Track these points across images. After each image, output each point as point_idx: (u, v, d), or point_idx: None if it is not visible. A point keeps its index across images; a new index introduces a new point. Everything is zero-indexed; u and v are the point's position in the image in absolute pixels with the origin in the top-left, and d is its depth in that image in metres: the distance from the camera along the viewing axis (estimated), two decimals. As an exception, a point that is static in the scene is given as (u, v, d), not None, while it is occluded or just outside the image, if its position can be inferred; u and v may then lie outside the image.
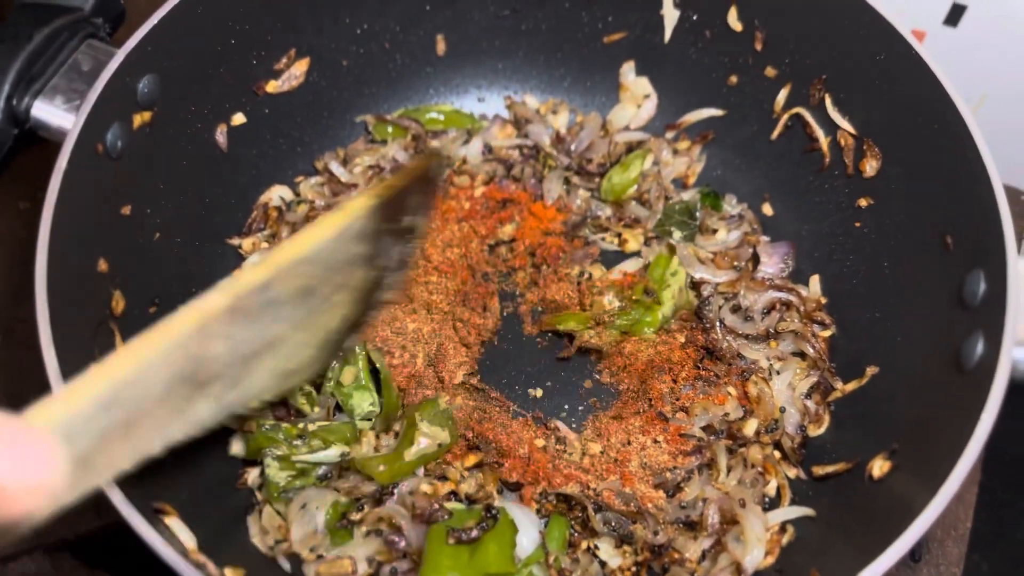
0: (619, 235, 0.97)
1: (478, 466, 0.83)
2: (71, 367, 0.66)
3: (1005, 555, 1.36)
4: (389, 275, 0.66)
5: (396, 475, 0.79)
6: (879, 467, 0.75)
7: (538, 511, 0.81)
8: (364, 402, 0.84)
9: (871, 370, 0.84)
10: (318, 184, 1.00)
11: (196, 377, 0.51)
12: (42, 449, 0.40)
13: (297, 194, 1.00)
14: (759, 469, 0.82)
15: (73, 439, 0.43)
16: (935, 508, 0.61)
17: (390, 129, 1.02)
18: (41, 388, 0.90)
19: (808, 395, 0.86)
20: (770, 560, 0.75)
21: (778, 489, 0.81)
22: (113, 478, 0.48)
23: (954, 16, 1.13)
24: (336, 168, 1.00)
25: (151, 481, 0.67)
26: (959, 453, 0.64)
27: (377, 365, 0.84)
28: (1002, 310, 0.68)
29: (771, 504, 0.81)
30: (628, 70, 1.03)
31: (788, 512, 0.78)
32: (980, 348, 0.69)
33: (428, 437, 0.80)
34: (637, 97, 1.03)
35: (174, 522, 0.68)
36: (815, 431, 0.85)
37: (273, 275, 0.54)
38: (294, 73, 0.96)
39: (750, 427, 0.83)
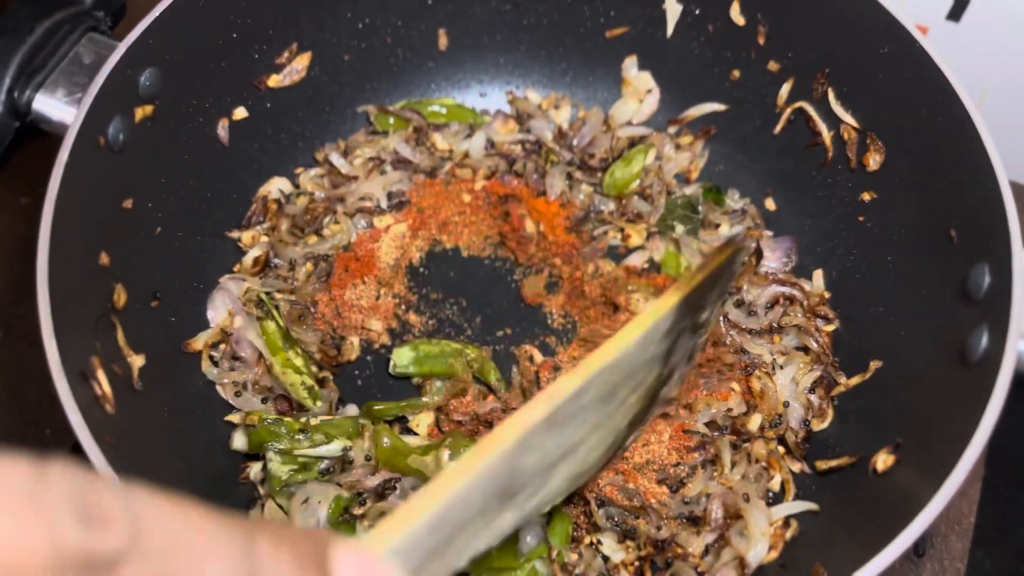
0: (622, 230, 0.97)
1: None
2: (72, 361, 0.65)
3: (1009, 551, 1.36)
4: (678, 368, 0.64)
5: (386, 461, 0.79)
6: (883, 461, 0.75)
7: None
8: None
9: (875, 364, 0.83)
10: (318, 176, 1.00)
11: (509, 490, 0.51)
12: (389, 569, 0.41)
13: (297, 186, 0.99)
14: (763, 464, 0.81)
15: (404, 560, 0.43)
16: (940, 501, 0.61)
17: (392, 120, 1.02)
18: (42, 383, 0.91)
19: (811, 390, 0.86)
20: (774, 555, 0.74)
21: (782, 484, 0.81)
22: None
23: (957, 11, 1.13)
24: (337, 159, 0.99)
25: (153, 476, 0.67)
26: (964, 446, 0.63)
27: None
28: (1007, 303, 0.67)
29: (775, 499, 0.81)
30: (630, 65, 1.03)
31: (792, 507, 0.78)
32: (985, 341, 0.69)
33: (437, 463, 0.79)
34: (639, 92, 1.03)
35: (176, 516, 0.67)
36: (819, 425, 0.85)
37: (587, 382, 0.53)
38: (296, 67, 0.96)
39: (754, 422, 0.83)
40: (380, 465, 0.80)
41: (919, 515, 0.61)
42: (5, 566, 0.28)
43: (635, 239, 0.96)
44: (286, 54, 0.95)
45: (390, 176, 0.99)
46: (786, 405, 0.84)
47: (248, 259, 0.93)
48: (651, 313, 0.57)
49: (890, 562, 0.59)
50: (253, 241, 0.95)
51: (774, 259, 0.94)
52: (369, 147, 1.00)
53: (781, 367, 0.86)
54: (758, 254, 0.94)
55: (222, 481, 0.81)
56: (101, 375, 0.70)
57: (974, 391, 0.66)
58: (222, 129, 0.92)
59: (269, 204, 0.97)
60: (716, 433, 0.83)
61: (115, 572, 0.31)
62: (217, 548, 0.35)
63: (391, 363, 0.87)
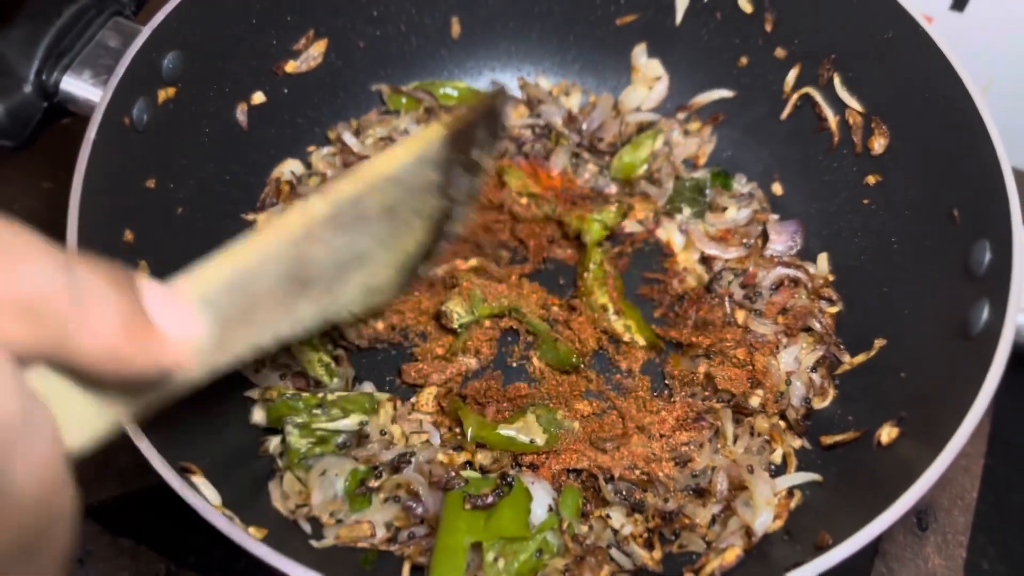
0: (629, 207, 0.99)
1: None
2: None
3: (1012, 538, 1.37)
4: (457, 207, 0.71)
5: (481, 437, 0.81)
6: (887, 434, 0.77)
7: (552, 481, 0.82)
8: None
9: (879, 343, 0.85)
10: (329, 154, 1.02)
11: (300, 277, 0.56)
12: (190, 311, 0.45)
13: (309, 165, 1.02)
14: (765, 438, 0.83)
15: (208, 312, 0.48)
16: (939, 466, 0.63)
17: (404, 100, 1.04)
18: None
19: (814, 369, 0.88)
20: (779, 523, 0.76)
21: (784, 457, 0.83)
22: (231, 362, 0.52)
23: (960, 1, 1.15)
24: (349, 138, 1.01)
25: (177, 445, 0.69)
26: (964, 415, 0.65)
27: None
28: (1007, 277, 0.69)
29: (777, 471, 0.83)
30: (640, 52, 1.05)
31: (795, 477, 0.80)
32: (985, 315, 0.71)
33: (526, 432, 0.81)
34: (648, 79, 1.05)
35: (200, 480, 0.70)
36: (819, 404, 0.87)
37: (363, 190, 0.60)
38: (312, 54, 0.98)
39: (755, 399, 0.85)
40: (468, 443, 0.82)
41: (919, 479, 0.63)
42: None
43: (639, 213, 0.98)
44: (303, 41, 0.97)
45: None
46: (788, 383, 0.86)
47: None
48: (418, 139, 0.64)
49: (889, 524, 0.61)
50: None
51: (780, 242, 0.96)
52: (381, 127, 1.03)
53: (785, 346, 0.88)
54: (764, 236, 0.96)
55: (241, 453, 0.83)
56: (127, 347, 0.72)
57: (975, 363, 0.68)
58: (241, 113, 0.94)
59: (282, 186, 0.99)
60: (720, 404, 0.85)
61: None
62: (35, 253, 0.37)
63: (452, 315, 0.90)
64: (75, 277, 0.38)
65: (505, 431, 0.81)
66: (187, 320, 0.45)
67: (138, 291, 0.42)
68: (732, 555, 0.73)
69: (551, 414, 0.83)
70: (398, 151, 0.64)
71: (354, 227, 0.61)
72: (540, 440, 0.81)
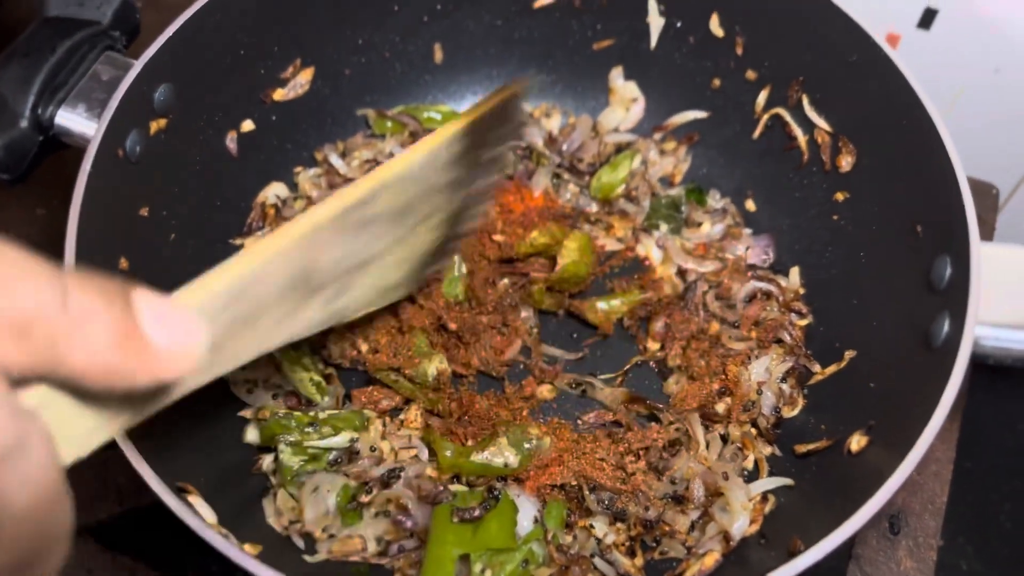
0: (608, 225, 1.02)
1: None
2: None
3: (989, 535, 1.40)
4: (473, 204, 0.69)
5: (455, 468, 0.84)
6: (857, 442, 0.80)
7: (537, 495, 0.85)
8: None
9: (849, 354, 0.89)
10: (315, 176, 1.04)
11: (308, 282, 0.56)
12: (189, 322, 0.45)
13: (295, 187, 1.04)
14: (738, 444, 0.87)
15: (207, 321, 0.48)
16: (903, 472, 0.66)
17: (389, 124, 1.07)
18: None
19: (784, 379, 0.91)
20: (755, 528, 0.79)
21: (756, 463, 0.86)
22: (236, 366, 0.53)
23: (927, 19, 1.19)
24: (335, 160, 1.04)
25: (174, 466, 0.72)
26: (927, 423, 0.68)
27: None
28: (965, 292, 0.73)
29: (750, 477, 0.86)
30: (617, 75, 1.08)
31: (768, 482, 0.83)
32: (946, 327, 0.74)
33: (498, 455, 0.84)
34: (626, 100, 1.09)
35: (196, 500, 0.72)
36: (789, 413, 0.90)
37: (376, 190, 0.58)
38: (299, 82, 1.01)
39: (721, 406, 0.88)
40: (444, 471, 0.84)
41: (885, 483, 0.66)
42: None
43: (618, 231, 1.02)
44: (290, 69, 1.00)
45: None
46: (759, 392, 0.90)
47: None
48: (436, 136, 0.63)
49: (855, 529, 0.64)
50: None
51: (753, 256, 0.99)
52: (367, 149, 1.06)
53: (756, 357, 0.91)
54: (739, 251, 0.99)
55: (236, 472, 0.86)
56: (124, 371, 0.75)
57: (937, 373, 0.71)
58: (231, 141, 0.97)
59: (267, 210, 1.01)
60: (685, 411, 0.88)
61: None
62: (26, 272, 0.38)
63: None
64: (67, 294, 0.39)
65: (478, 457, 0.83)
66: (184, 330, 0.44)
67: (133, 304, 0.42)
68: (711, 560, 0.76)
69: (521, 432, 0.85)
70: (411, 151, 0.62)
71: (365, 229, 0.59)
72: (513, 461, 0.83)
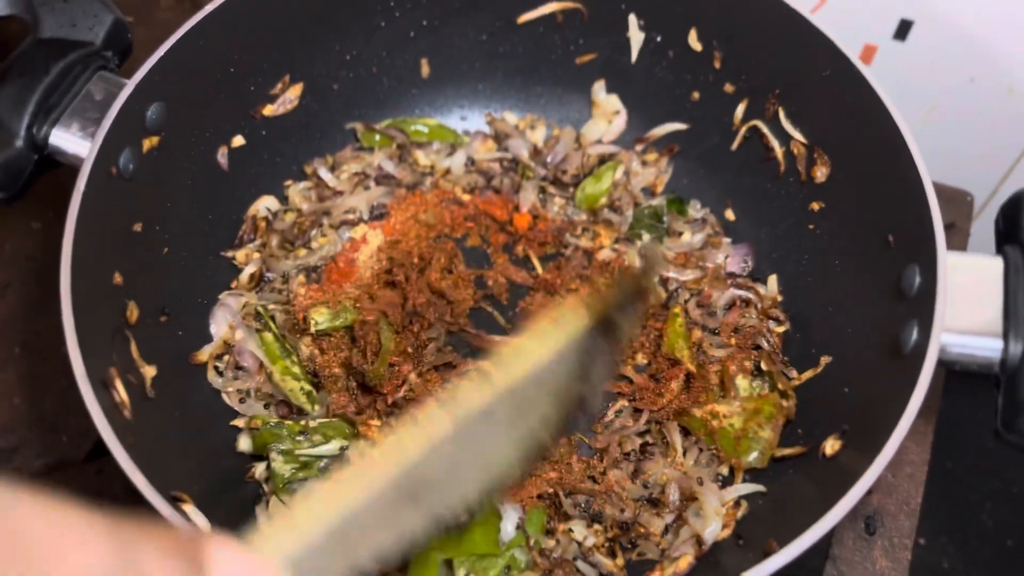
0: (596, 234, 1.04)
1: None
2: (94, 371, 0.73)
3: (970, 535, 1.43)
4: (592, 390, 0.63)
5: None
6: (831, 446, 0.82)
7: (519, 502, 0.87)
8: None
9: (825, 359, 0.91)
10: (305, 189, 1.07)
11: (413, 496, 0.51)
12: (269, 572, 0.41)
13: (285, 199, 1.07)
14: (713, 450, 0.89)
15: (298, 565, 0.44)
16: (872, 474, 0.69)
17: (377, 138, 1.09)
18: (57, 394, 0.98)
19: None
20: (727, 532, 0.82)
21: (731, 468, 0.89)
22: None
23: (902, 31, 1.21)
24: (324, 173, 1.07)
25: (169, 476, 0.74)
26: (895, 426, 0.71)
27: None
28: (932, 300, 0.75)
29: (725, 482, 0.89)
30: (599, 88, 1.11)
31: (741, 488, 0.85)
32: (915, 335, 0.77)
33: None
34: (608, 113, 1.11)
35: (189, 508, 0.75)
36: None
37: (496, 397, 0.54)
38: (288, 97, 1.04)
39: (697, 411, 0.90)
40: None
41: (856, 484, 0.68)
42: None
43: (605, 241, 1.04)
44: (279, 85, 1.02)
45: (374, 191, 1.07)
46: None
47: (244, 276, 1.00)
48: (564, 328, 0.58)
49: (827, 529, 0.67)
50: (247, 259, 1.02)
51: (733, 264, 1.02)
52: (355, 163, 1.08)
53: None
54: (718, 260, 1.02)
55: (229, 480, 0.88)
56: (119, 384, 0.77)
57: (906, 379, 0.74)
58: (222, 156, 1.00)
59: (258, 222, 1.04)
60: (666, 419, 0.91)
61: None
62: (86, 537, 0.35)
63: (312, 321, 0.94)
64: (133, 558, 0.35)
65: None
66: None
67: (206, 558, 0.38)
68: (684, 563, 0.79)
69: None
70: (533, 348, 0.56)
71: (480, 437, 0.54)
72: None
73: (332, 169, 1.08)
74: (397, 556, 0.51)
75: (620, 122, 1.11)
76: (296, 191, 1.07)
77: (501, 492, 0.63)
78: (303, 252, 1.02)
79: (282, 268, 1.01)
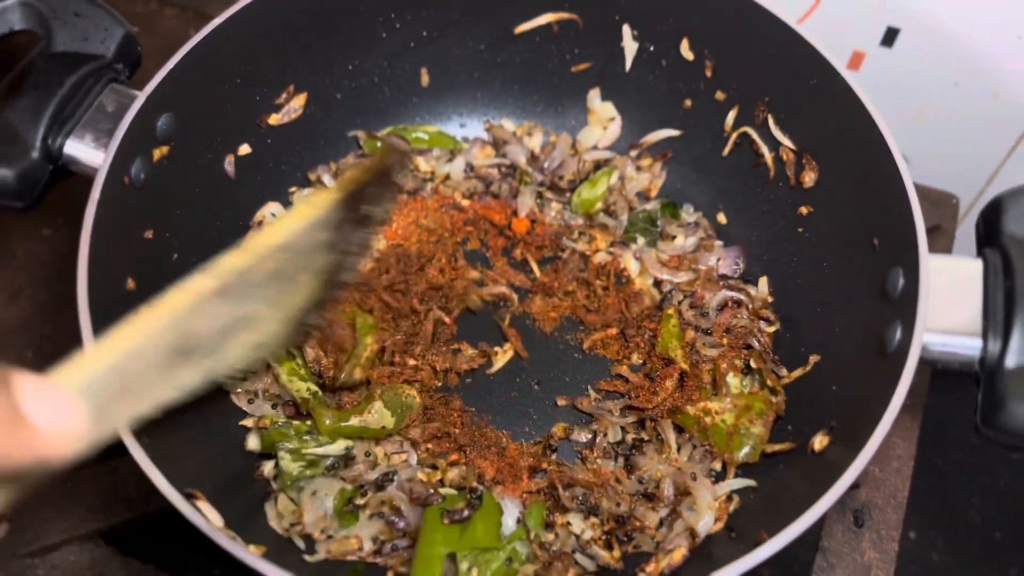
0: (592, 238, 1.08)
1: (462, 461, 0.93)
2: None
3: (959, 530, 1.46)
4: (350, 259, 0.72)
5: (334, 433, 0.90)
6: (819, 442, 0.86)
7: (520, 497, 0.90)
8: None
9: (813, 358, 0.94)
10: (310, 195, 1.10)
11: (184, 348, 0.59)
12: (67, 402, 0.48)
13: (290, 205, 1.10)
14: (706, 447, 0.92)
15: (87, 398, 0.51)
16: (856, 468, 0.72)
17: (379, 145, 1.12)
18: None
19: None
20: (719, 525, 0.85)
21: (724, 464, 0.92)
22: (109, 436, 0.55)
23: (889, 38, 1.25)
24: (327, 180, 1.10)
25: (182, 474, 0.77)
26: (879, 422, 0.74)
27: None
28: (915, 301, 0.78)
29: (717, 477, 0.92)
30: (594, 96, 1.14)
31: (733, 483, 0.89)
32: (898, 335, 0.80)
33: (373, 416, 0.90)
34: (603, 120, 1.14)
35: (204, 505, 0.78)
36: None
37: (253, 261, 0.62)
38: (293, 107, 1.07)
39: (691, 409, 0.93)
40: (328, 438, 0.91)
41: (842, 476, 0.72)
42: None
43: (601, 244, 1.08)
44: (284, 95, 1.06)
45: None
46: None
47: None
48: (311, 205, 0.66)
49: (812, 521, 0.70)
50: None
51: (725, 266, 1.05)
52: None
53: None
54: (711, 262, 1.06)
55: (239, 478, 0.91)
56: (133, 385, 0.80)
57: (889, 377, 0.77)
58: (229, 164, 1.03)
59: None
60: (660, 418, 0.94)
61: None
62: None
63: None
64: None
65: (355, 421, 0.90)
66: (64, 410, 0.47)
67: (12, 386, 0.44)
68: (679, 555, 0.82)
69: (394, 393, 0.91)
70: (289, 219, 0.64)
71: (240, 295, 0.62)
72: (389, 424, 0.90)
73: (335, 175, 1.11)
74: (172, 403, 0.58)
75: (615, 129, 1.14)
76: (300, 197, 1.10)
77: (266, 351, 0.69)
78: None
79: None
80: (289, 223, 0.64)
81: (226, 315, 0.62)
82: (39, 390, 0.46)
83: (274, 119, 1.05)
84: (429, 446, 0.93)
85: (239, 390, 0.96)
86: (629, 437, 0.94)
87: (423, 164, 1.13)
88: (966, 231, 1.38)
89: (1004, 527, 1.49)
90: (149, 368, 0.56)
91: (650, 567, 0.82)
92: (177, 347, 0.58)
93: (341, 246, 0.70)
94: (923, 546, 1.45)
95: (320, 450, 0.91)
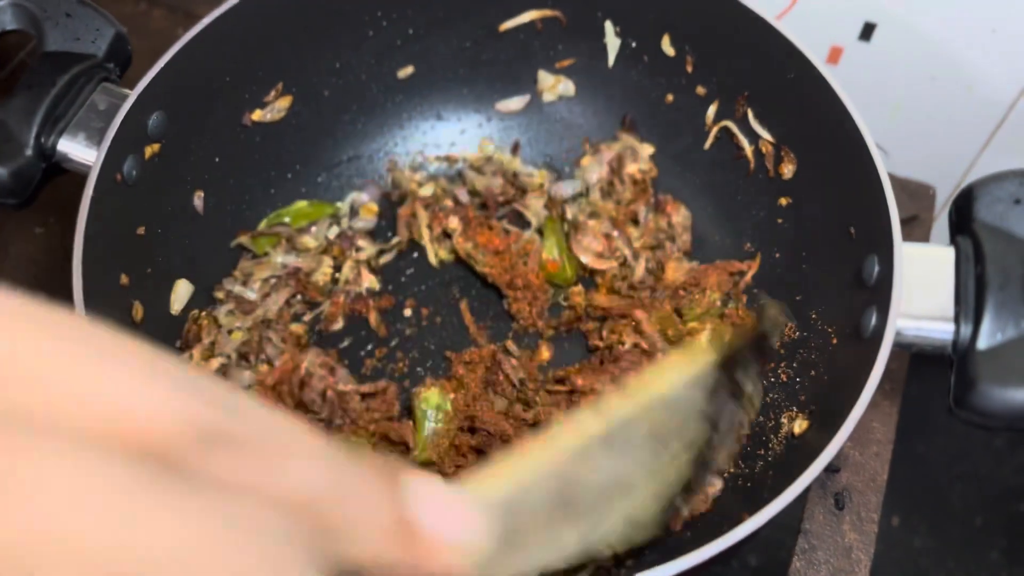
0: None
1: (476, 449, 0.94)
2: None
3: (941, 515, 1.50)
4: (719, 438, 0.64)
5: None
6: (799, 426, 0.88)
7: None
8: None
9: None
10: (228, 311, 1.02)
11: (568, 499, 0.51)
12: (468, 513, 0.40)
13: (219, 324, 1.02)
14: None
15: (489, 516, 0.42)
16: (833, 448, 0.74)
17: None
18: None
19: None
20: (704, 507, 0.88)
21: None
22: None
23: (867, 32, 1.27)
24: (239, 289, 1.04)
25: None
26: (855, 404, 0.77)
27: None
28: (889, 288, 0.81)
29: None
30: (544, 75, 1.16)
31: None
32: (874, 320, 0.82)
33: None
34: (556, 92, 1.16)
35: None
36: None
37: (635, 410, 0.55)
38: (280, 105, 1.08)
39: None
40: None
41: (818, 457, 0.74)
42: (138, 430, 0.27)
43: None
44: (272, 93, 1.07)
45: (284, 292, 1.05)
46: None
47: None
48: (693, 360, 0.59)
49: (792, 499, 0.72)
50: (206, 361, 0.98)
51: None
52: (260, 270, 1.05)
53: (713, 350, 0.99)
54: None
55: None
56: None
57: (865, 361, 0.79)
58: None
59: (201, 325, 0.99)
60: None
61: (220, 451, 0.29)
62: (303, 447, 0.33)
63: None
64: (342, 474, 0.34)
65: None
66: (463, 523, 0.39)
67: (405, 488, 0.37)
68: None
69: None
70: (669, 372, 0.58)
71: (622, 450, 0.55)
72: None
73: (244, 283, 1.04)
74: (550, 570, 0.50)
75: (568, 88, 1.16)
76: (224, 316, 1.01)
77: (641, 533, 0.60)
78: (265, 368, 0.98)
79: (246, 380, 0.97)
80: (669, 375, 0.57)
81: (607, 470, 0.54)
82: (435, 494, 0.38)
83: (258, 115, 1.07)
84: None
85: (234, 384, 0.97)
86: None
87: (310, 241, 1.08)
88: (944, 221, 1.41)
89: (985, 513, 1.52)
90: (535, 512, 0.48)
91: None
92: (561, 494, 0.50)
93: (713, 417, 0.62)
94: (906, 531, 1.48)
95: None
